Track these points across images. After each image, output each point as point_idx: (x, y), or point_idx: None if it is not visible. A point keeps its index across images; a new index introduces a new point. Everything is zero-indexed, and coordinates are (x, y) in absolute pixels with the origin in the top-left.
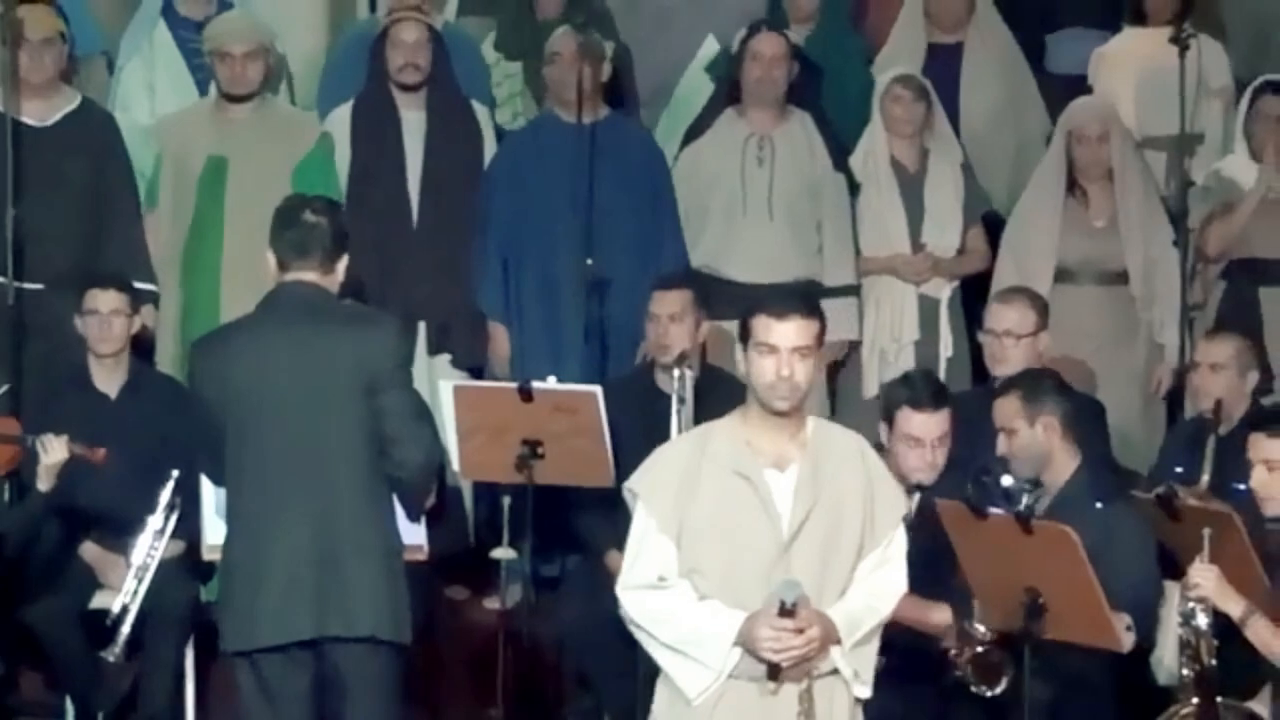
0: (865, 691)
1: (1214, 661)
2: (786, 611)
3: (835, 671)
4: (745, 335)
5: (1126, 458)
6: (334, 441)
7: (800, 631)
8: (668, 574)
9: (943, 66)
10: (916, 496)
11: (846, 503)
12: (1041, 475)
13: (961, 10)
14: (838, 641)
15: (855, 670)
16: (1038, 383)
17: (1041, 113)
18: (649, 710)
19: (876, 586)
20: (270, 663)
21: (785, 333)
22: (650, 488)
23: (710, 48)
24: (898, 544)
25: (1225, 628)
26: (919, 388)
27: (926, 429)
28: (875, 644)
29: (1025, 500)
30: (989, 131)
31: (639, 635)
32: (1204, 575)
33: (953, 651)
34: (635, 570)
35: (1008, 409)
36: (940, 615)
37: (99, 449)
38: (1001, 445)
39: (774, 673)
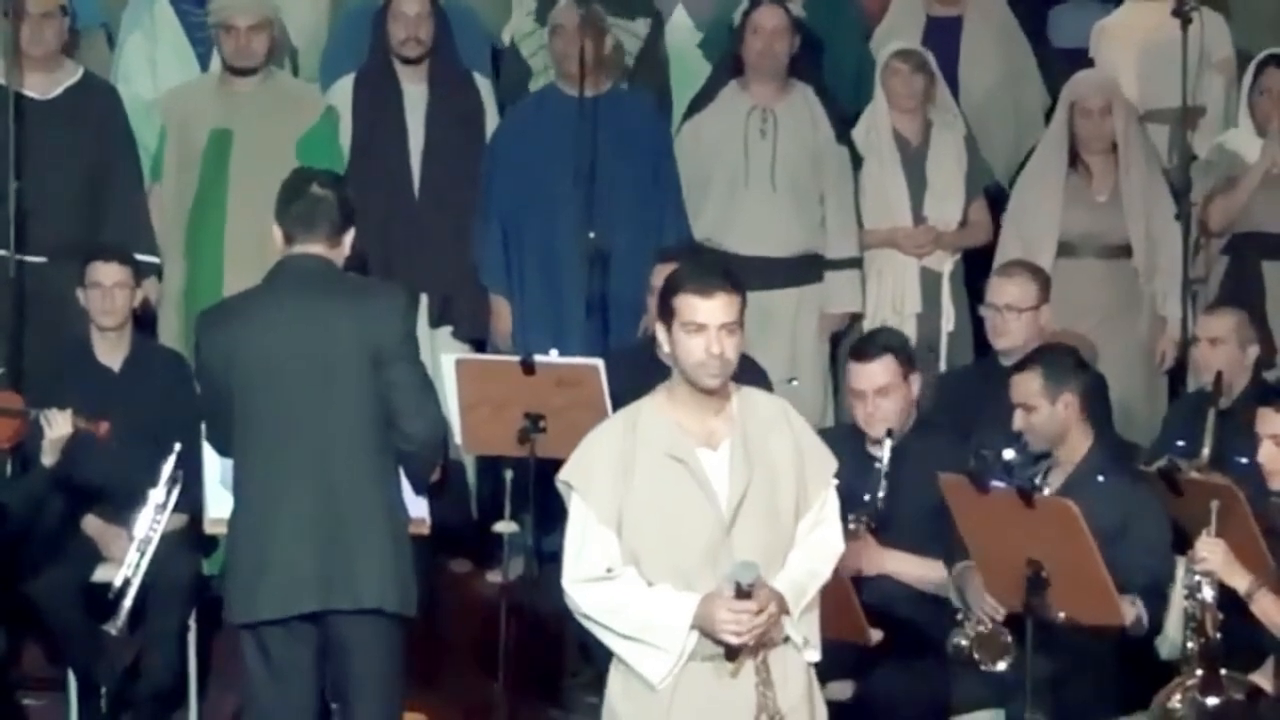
0: (816, 655)
1: (1219, 634)
2: (744, 594)
3: (786, 640)
4: (668, 314)
5: (1129, 432)
6: (340, 414)
7: (759, 612)
8: (614, 564)
9: (941, 40)
10: (888, 444)
11: (779, 470)
12: (1055, 451)
13: None
14: (787, 612)
15: (805, 637)
16: (1060, 360)
17: (1039, 86)
18: None
19: (814, 550)
20: (274, 635)
21: (712, 310)
22: (585, 479)
23: (680, 18)
24: (831, 504)
25: (1228, 600)
26: (866, 339)
27: (859, 379)
28: (818, 608)
29: (1029, 473)
30: (988, 104)
31: (593, 628)
32: (1211, 549)
33: (959, 639)
34: (581, 564)
35: (1029, 386)
36: (936, 572)
37: (102, 422)
38: (1019, 421)
39: (732, 653)
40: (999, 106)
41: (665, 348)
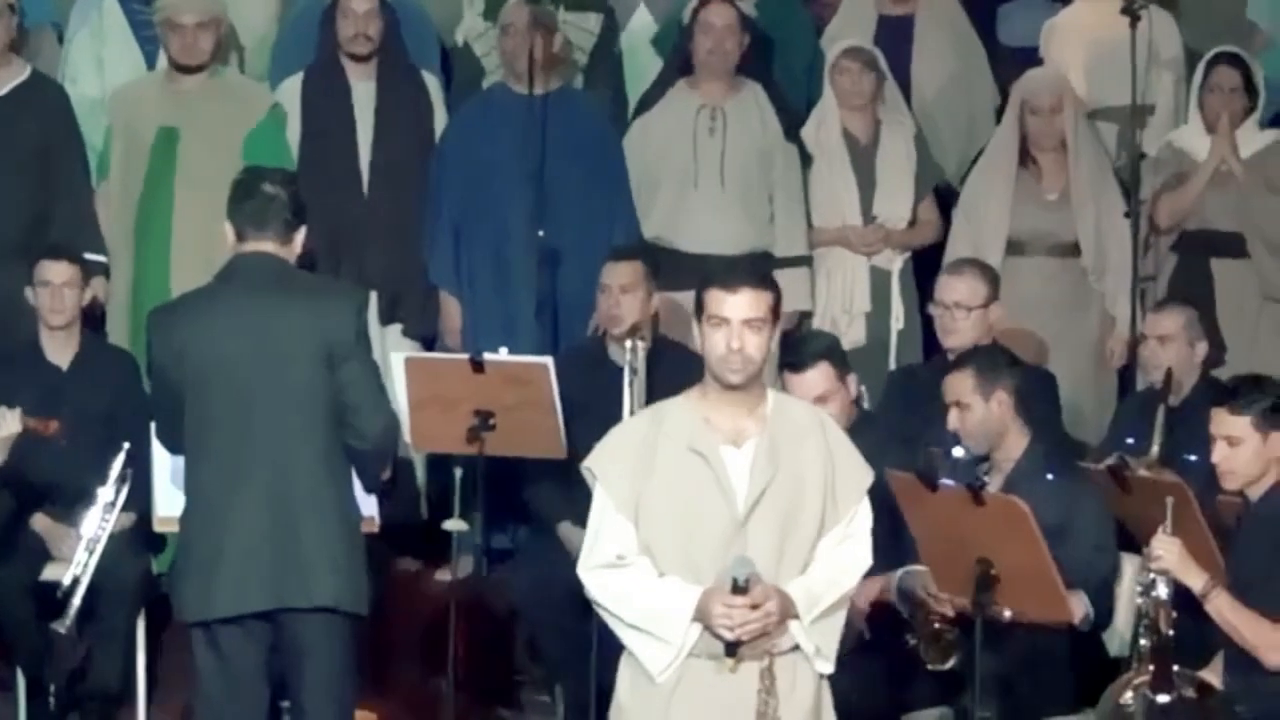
0: (828, 667)
1: (1171, 632)
2: (739, 589)
3: (797, 648)
4: (699, 309)
5: (1078, 430)
6: (293, 412)
7: (755, 607)
8: (627, 552)
9: (893, 39)
10: None
11: (807, 478)
12: (994, 452)
13: None
14: (796, 617)
15: (817, 646)
16: (992, 358)
17: (991, 86)
18: (601, 681)
19: (839, 561)
20: (227, 633)
21: (736, 305)
22: (607, 467)
23: (643, 16)
24: (861, 519)
25: (1177, 597)
26: (796, 348)
27: (797, 389)
28: (839, 619)
29: (973, 473)
30: (940, 104)
31: (603, 615)
32: (1167, 547)
33: (911, 640)
34: (595, 550)
35: (962, 384)
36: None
37: (52, 421)
38: (953, 420)
39: (732, 650)
40: (951, 106)
41: (697, 342)
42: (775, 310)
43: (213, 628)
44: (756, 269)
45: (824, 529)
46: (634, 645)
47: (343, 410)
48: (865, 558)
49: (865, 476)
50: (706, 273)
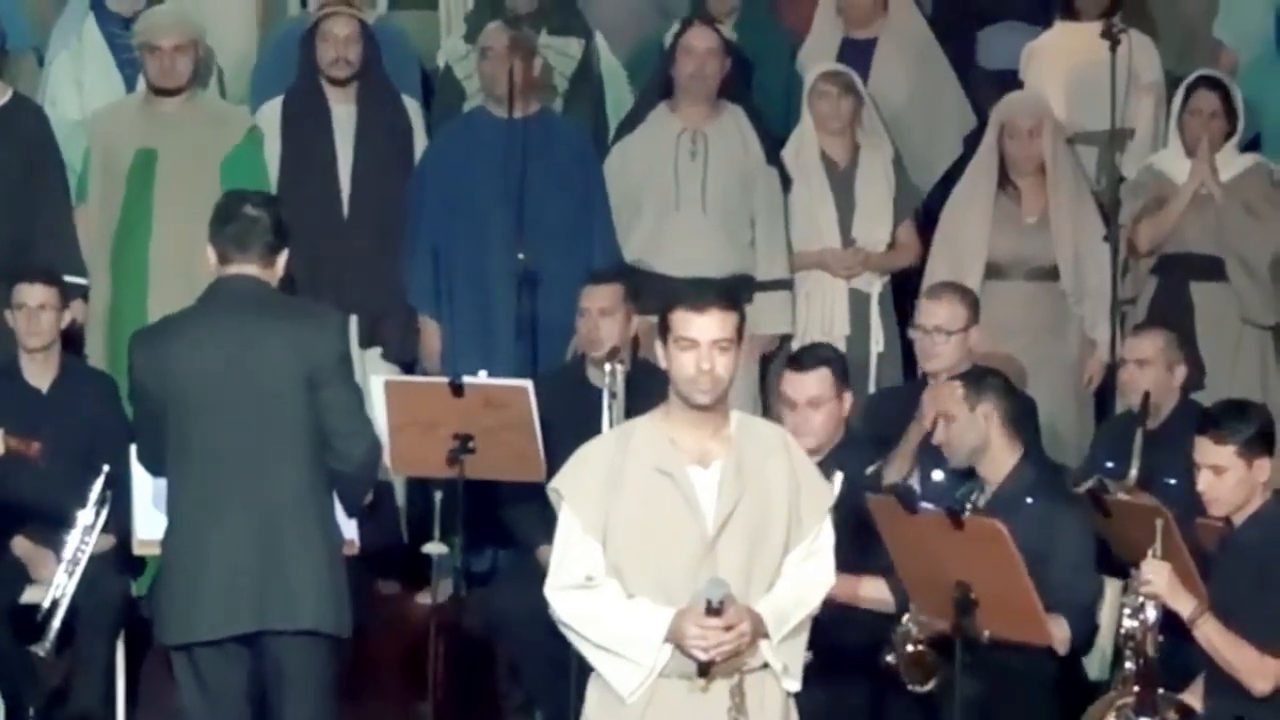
0: (795, 685)
1: (1155, 655)
2: (713, 610)
3: (765, 666)
4: (664, 330)
5: (1057, 453)
6: (274, 435)
7: (728, 629)
8: (595, 574)
9: (855, 61)
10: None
11: (772, 497)
12: (978, 467)
13: (871, 6)
14: (766, 635)
15: (785, 664)
16: (980, 372)
17: (960, 110)
18: (581, 703)
19: (804, 579)
20: (208, 656)
21: (705, 326)
22: (574, 488)
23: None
24: (825, 536)
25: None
26: (803, 350)
27: (792, 387)
28: (804, 637)
29: (957, 494)
30: (897, 126)
31: (570, 636)
32: (1156, 571)
33: (889, 657)
34: (562, 571)
35: (948, 394)
36: (870, 588)
37: (34, 442)
38: (939, 433)
39: (704, 670)
40: (910, 130)
41: (662, 363)
42: (740, 330)
43: (194, 651)
44: (722, 289)
45: (789, 546)
46: (603, 667)
47: (325, 434)
48: (829, 575)
49: (828, 495)
50: (672, 293)
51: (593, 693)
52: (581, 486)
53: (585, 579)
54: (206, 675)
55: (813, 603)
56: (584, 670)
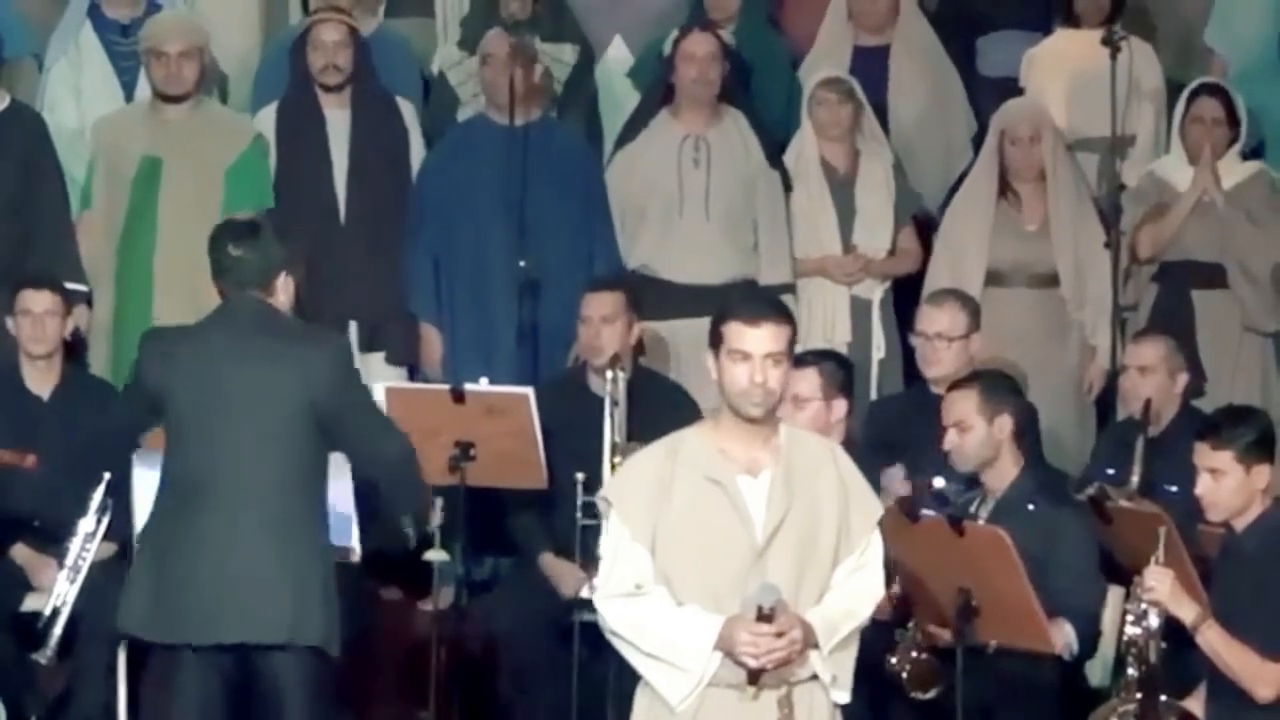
0: (844, 696)
1: (1158, 662)
2: (764, 616)
3: (814, 677)
4: (716, 341)
5: (1058, 460)
6: (268, 451)
7: (779, 635)
8: (644, 581)
9: (869, 69)
10: None
11: (821, 508)
12: (982, 475)
13: (885, 12)
14: (815, 646)
15: (834, 675)
16: (998, 382)
17: (967, 114)
18: (583, 711)
19: (853, 590)
20: (190, 664)
21: (759, 339)
22: (623, 496)
23: (619, 49)
24: (874, 548)
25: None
26: (803, 351)
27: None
28: (854, 649)
29: (960, 501)
30: (916, 133)
31: (619, 644)
32: (1159, 579)
33: (892, 660)
34: (612, 580)
35: (965, 404)
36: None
37: (29, 455)
38: (950, 440)
39: (754, 678)
40: (927, 135)
41: (713, 375)
42: (792, 343)
43: (180, 653)
44: (776, 302)
45: (838, 559)
46: (652, 675)
47: (354, 448)
48: (879, 586)
49: (877, 507)
50: (727, 304)
51: (640, 702)
52: (630, 494)
53: (634, 587)
54: (187, 683)
55: (863, 614)
56: (586, 678)
